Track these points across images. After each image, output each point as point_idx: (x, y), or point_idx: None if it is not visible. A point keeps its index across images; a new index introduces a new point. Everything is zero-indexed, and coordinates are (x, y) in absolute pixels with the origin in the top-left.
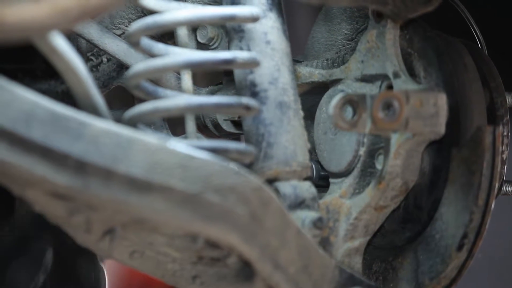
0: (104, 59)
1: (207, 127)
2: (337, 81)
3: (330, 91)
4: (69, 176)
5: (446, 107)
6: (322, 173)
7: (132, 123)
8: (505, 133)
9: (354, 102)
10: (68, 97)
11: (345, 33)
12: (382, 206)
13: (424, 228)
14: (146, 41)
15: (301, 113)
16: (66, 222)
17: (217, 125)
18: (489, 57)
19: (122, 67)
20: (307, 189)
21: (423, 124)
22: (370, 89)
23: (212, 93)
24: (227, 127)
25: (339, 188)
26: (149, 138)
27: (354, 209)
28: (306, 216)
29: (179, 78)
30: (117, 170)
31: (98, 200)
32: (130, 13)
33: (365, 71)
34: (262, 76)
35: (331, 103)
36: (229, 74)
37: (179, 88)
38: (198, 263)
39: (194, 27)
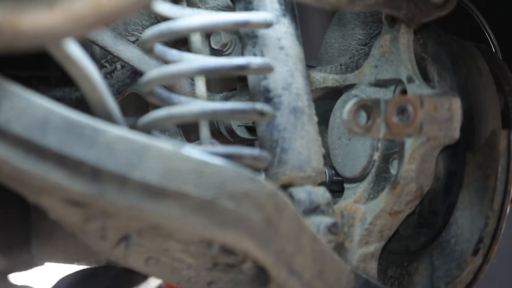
0: (118, 66)
1: (221, 133)
2: (351, 86)
3: (344, 96)
4: (84, 183)
5: (460, 111)
6: (336, 178)
7: (147, 129)
8: None
9: (368, 107)
10: (82, 104)
11: (359, 38)
12: (397, 211)
13: (439, 233)
14: (160, 48)
15: (315, 119)
16: (81, 229)
17: (231, 131)
18: (503, 61)
19: (136, 73)
20: (321, 194)
21: (438, 128)
22: (384, 94)
23: (226, 99)
24: (241, 133)
25: (353, 193)
26: (163, 144)
27: (369, 214)
28: (321, 221)
29: (193, 84)
30: (132, 176)
31: (113, 207)
32: (143, 20)
33: (379, 76)
34: (276, 81)
35: (345, 108)
36: (243, 80)
37: (193, 94)
38: (213, 269)
39: (208, 33)
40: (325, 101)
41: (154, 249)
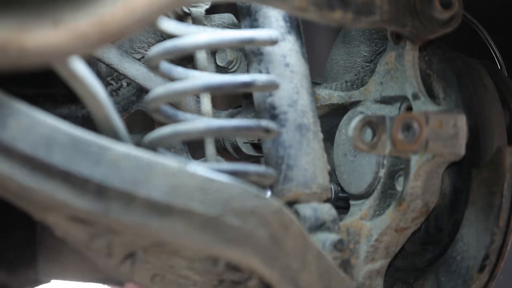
0: (124, 84)
1: (227, 150)
2: (356, 103)
3: (349, 113)
4: (90, 200)
5: (466, 128)
6: (342, 194)
7: (152, 146)
8: None
9: (373, 124)
10: (88, 121)
11: (364, 55)
12: (403, 228)
13: (445, 250)
14: (165, 65)
15: (321, 135)
16: (87, 246)
17: (236, 148)
18: (508, 78)
19: (142, 91)
20: (327, 211)
21: (443, 145)
22: (389, 111)
23: (232, 116)
24: (247, 150)
25: (359, 210)
26: (169, 161)
27: (374, 231)
28: (327, 238)
29: (198, 102)
30: (138, 193)
31: (119, 224)
32: (149, 37)
33: (384, 93)
34: (281, 98)
35: (350, 125)
36: (248, 97)
37: (199, 112)
38: (219, 286)
39: (213, 50)
40: (330, 118)
41: (160, 266)
